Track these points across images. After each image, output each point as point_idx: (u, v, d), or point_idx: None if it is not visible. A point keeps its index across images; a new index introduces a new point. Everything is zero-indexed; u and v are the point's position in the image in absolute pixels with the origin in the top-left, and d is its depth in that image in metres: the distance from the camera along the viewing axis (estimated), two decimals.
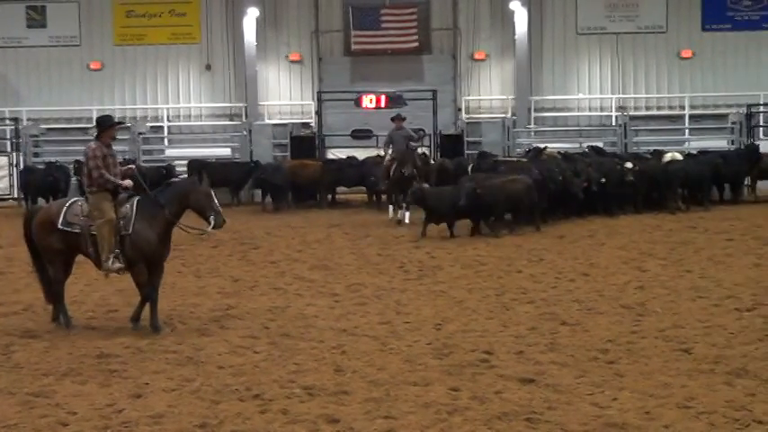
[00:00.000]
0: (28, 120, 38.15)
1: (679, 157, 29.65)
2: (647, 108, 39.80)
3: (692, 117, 38.44)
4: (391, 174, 24.97)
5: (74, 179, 30.57)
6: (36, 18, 40.24)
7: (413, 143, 26.12)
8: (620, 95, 39.50)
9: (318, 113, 36.95)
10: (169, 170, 31.35)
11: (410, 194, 22.60)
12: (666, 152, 30.32)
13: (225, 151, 35.53)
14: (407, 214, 24.40)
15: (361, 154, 32.95)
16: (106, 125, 13.26)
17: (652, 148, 32.53)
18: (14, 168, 33.86)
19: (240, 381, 10.00)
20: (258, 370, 10.50)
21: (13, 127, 35.42)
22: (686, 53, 39.57)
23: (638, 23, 39.56)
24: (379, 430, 8.49)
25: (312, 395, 9.51)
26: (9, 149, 34.85)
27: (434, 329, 12.58)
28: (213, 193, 12.99)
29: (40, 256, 13.00)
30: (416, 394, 9.47)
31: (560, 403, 9.13)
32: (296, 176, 31.27)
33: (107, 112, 39.47)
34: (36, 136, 35.74)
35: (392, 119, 26.46)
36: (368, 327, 12.78)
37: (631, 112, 38.18)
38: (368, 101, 35.21)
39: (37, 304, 13.67)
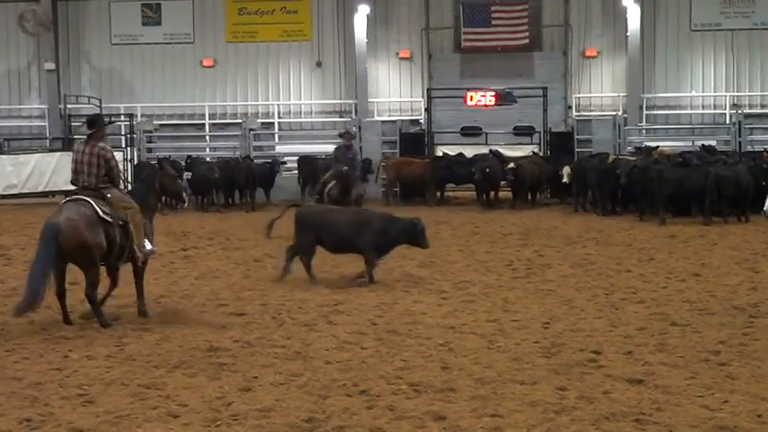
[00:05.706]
0: (142, 116, 38.89)
1: None
2: (762, 106, 39.01)
3: None
4: (326, 194, 21.99)
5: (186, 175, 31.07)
6: (151, 16, 40.94)
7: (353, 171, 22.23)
8: (735, 93, 38.80)
9: (428, 110, 36.95)
10: (272, 164, 31.81)
11: None
12: None
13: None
14: None
15: (469, 151, 32.89)
16: (102, 125, 13.39)
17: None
18: (129, 163, 34.48)
19: (347, 376, 10.05)
20: (365, 366, 10.53)
21: (127, 123, 36.03)
22: None
23: (754, 20, 38.78)
24: (485, 428, 8.46)
25: (419, 392, 9.51)
26: (123, 145, 35.45)
27: (542, 328, 12.52)
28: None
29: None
30: (523, 393, 9.42)
31: (669, 405, 9.01)
32: (401, 173, 31.58)
33: (219, 109, 40.59)
34: (150, 132, 36.42)
35: (340, 135, 24.48)
36: (475, 324, 12.75)
37: (746, 110, 37.47)
38: (474, 98, 35.19)
39: (149, 297, 13.89)
